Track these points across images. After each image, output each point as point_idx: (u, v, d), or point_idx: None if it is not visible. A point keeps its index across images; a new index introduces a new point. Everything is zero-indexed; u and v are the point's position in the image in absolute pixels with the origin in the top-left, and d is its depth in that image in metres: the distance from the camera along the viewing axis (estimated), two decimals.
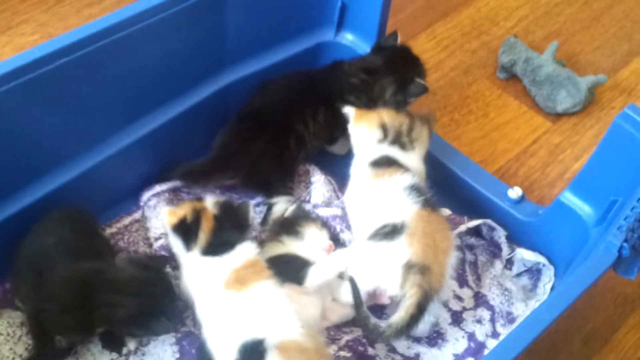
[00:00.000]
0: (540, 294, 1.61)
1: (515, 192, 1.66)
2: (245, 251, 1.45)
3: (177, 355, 1.45)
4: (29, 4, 2.21)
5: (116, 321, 1.35)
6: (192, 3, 1.52)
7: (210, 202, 1.52)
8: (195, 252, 1.45)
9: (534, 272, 1.65)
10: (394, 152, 1.60)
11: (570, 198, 1.57)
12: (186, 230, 1.47)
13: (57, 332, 1.41)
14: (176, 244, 1.48)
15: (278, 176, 1.70)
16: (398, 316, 1.39)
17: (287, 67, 1.78)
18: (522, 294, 1.61)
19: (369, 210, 1.53)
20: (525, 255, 1.63)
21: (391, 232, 1.44)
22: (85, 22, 2.06)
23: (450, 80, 2.15)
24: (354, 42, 1.85)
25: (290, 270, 1.46)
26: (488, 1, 2.42)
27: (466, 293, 1.61)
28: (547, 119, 2.06)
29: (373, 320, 1.40)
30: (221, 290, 1.39)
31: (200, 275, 1.43)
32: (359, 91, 1.73)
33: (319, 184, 1.74)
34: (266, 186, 1.70)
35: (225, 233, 1.47)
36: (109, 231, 1.65)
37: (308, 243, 1.54)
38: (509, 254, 1.66)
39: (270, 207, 1.68)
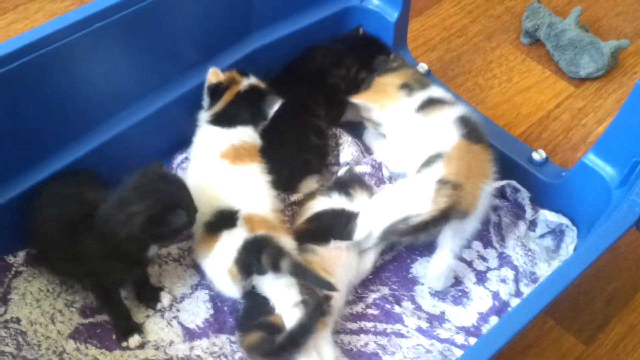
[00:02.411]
0: (564, 255, 1.64)
1: (539, 155, 1.69)
2: (245, 134, 1.60)
3: (212, 312, 1.50)
4: None
5: (138, 230, 1.32)
6: None
7: (247, 81, 1.64)
8: (207, 116, 1.62)
9: (557, 234, 1.68)
10: (430, 93, 1.66)
11: (593, 160, 1.60)
12: (215, 92, 1.62)
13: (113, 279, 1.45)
14: (205, 100, 1.64)
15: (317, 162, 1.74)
16: (419, 218, 1.44)
17: (313, 32, 1.81)
18: (546, 254, 1.64)
19: (416, 150, 1.58)
20: (548, 217, 1.66)
21: (432, 160, 1.50)
22: None
23: (474, 45, 2.17)
24: (380, 7, 1.87)
25: (337, 224, 1.51)
26: None
27: (490, 253, 1.64)
28: (570, 83, 2.08)
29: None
30: (216, 158, 1.55)
31: (204, 140, 1.59)
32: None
33: (346, 145, 1.78)
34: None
35: (235, 110, 1.60)
36: None
37: (356, 206, 1.57)
38: (533, 215, 1.69)
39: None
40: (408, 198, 1.49)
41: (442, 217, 1.45)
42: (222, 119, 1.61)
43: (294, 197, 1.69)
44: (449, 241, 1.51)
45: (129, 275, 1.46)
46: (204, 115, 1.64)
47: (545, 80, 2.09)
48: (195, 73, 1.67)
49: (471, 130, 1.54)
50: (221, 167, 1.55)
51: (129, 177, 1.37)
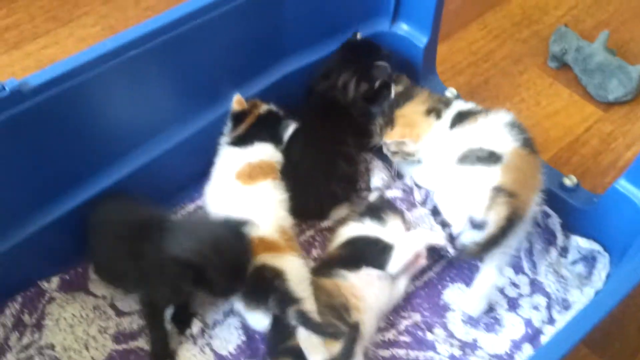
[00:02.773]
0: (596, 281, 1.63)
1: (570, 180, 1.68)
2: (263, 151, 1.64)
3: (244, 338, 1.50)
4: None
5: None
6: None
7: (265, 106, 1.69)
8: (228, 139, 1.67)
9: (589, 260, 1.66)
10: (457, 107, 1.68)
11: (625, 186, 1.59)
12: (237, 118, 1.67)
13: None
14: (227, 125, 1.68)
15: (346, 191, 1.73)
16: (487, 233, 1.45)
17: None
18: (578, 281, 1.63)
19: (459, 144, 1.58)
20: (580, 243, 1.65)
21: (487, 157, 1.50)
22: (144, 13, 2.17)
23: (501, 69, 2.17)
24: (409, 32, 1.87)
25: (371, 252, 1.51)
26: None
27: (522, 280, 1.63)
28: (598, 107, 2.07)
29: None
30: (231, 179, 1.59)
31: (223, 161, 1.65)
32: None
33: (377, 170, 1.78)
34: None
35: (254, 130, 1.65)
36: (180, 215, 1.70)
37: (389, 231, 1.57)
38: (564, 241, 1.68)
39: None
40: (465, 201, 1.50)
41: (509, 226, 1.45)
42: (242, 140, 1.65)
43: (324, 224, 1.70)
44: (496, 257, 1.51)
45: (179, 296, 1.46)
46: (225, 139, 1.68)
47: (573, 105, 2.08)
48: (226, 99, 1.68)
49: (526, 139, 1.55)
50: (234, 188, 1.58)
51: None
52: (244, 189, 1.57)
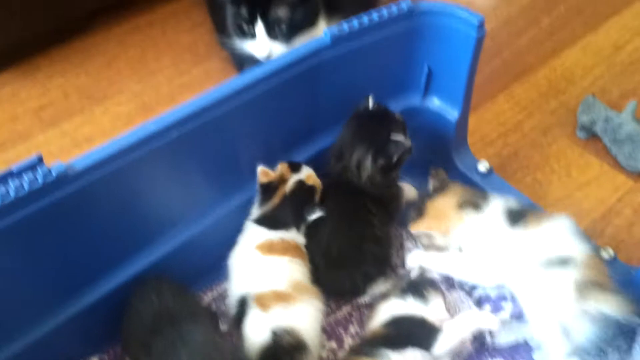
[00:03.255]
0: (636, 355, 1.61)
1: (607, 253, 1.68)
2: (285, 234, 1.63)
3: None
4: (124, 75, 2.32)
5: None
6: (292, 76, 1.61)
7: (295, 178, 1.68)
8: (255, 214, 1.68)
9: (628, 334, 1.64)
10: (505, 204, 1.68)
11: None
12: (266, 190, 1.67)
13: None
14: (257, 197, 1.69)
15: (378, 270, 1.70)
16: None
17: None
18: (618, 355, 1.60)
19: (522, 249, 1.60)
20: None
21: (562, 262, 1.53)
22: (177, 90, 2.21)
23: (530, 140, 2.18)
24: (441, 106, 1.89)
25: (417, 333, 1.50)
26: (563, 61, 2.46)
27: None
28: (629, 177, 2.07)
29: None
30: (251, 247, 1.61)
31: (247, 234, 1.65)
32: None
33: (413, 250, 1.77)
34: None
35: (280, 213, 1.65)
36: (210, 295, 1.71)
37: (431, 310, 1.57)
38: None
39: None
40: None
41: None
42: (267, 221, 1.65)
43: (361, 300, 1.69)
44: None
45: None
46: (254, 212, 1.69)
47: (604, 175, 2.08)
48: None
49: (593, 246, 1.58)
50: (252, 255, 1.60)
51: None
52: (262, 258, 1.59)
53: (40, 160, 1.29)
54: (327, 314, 1.67)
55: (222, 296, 1.69)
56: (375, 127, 1.70)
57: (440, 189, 1.74)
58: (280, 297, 1.51)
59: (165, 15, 2.57)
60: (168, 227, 1.61)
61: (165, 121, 1.44)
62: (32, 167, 1.28)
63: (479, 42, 1.71)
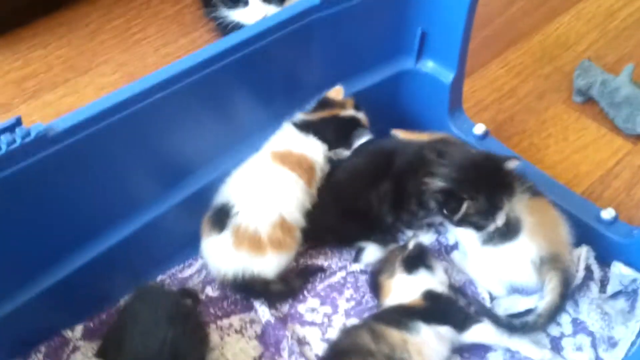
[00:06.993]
0: (639, 315, 1.57)
1: (608, 214, 1.63)
2: (311, 147, 1.63)
3: None
4: (108, 45, 2.26)
5: None
6: (283, 34, 1.56)
7: (353, 113, 1.68)
8: (297, 118, 1.68)
9: (630, 294, 1.61)
10: None
11: None
12: (320, 104, 1.69)
13: None
14: (308, 105, 1.70)
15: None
16: (545, 302, 1.47)
17: (369, 95, 1.77)
18: (621, 316, 1.57)
19: None
20: (622, 270, 1.60)
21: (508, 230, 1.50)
22: (163, 60, 2.16)
23: (525, 105, 2.14)
24: (435, 69, 1.84)
25: (454, 315, 1.47)
26: (556, 27, 2.41)
27: (564, 318, 1.57)
28: (627, 140, 2.04)
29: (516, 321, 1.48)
30: (267, 154, 1.60)
31: (274, 136, 1.65)
32: None
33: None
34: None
35: (322, 126, 1.64)
36: (180, 275, 1.66)
37: (437, 279, 1.55)
38: (601, 275, 1.63)
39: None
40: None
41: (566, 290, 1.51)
42: (305, 126, 1.63)
43: (354, 267, 1.66)
44: None
45: None
46: (295, 116, 1.66)
47: (602, 138, 2.04)
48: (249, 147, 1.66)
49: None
50: (262, 160, 1.59)
51: None
52: (270, 165, 1.57)
53: (18, 121, 1.24)
54: (321, 279, 1.64)
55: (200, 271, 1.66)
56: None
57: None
58: (254, 243, 1.50)
59: None
60: (152, 194, 1.56)
61: (150, 81, 1.40)
62: (10, 128, 1.23)
63: (474, 0, 1.66)
